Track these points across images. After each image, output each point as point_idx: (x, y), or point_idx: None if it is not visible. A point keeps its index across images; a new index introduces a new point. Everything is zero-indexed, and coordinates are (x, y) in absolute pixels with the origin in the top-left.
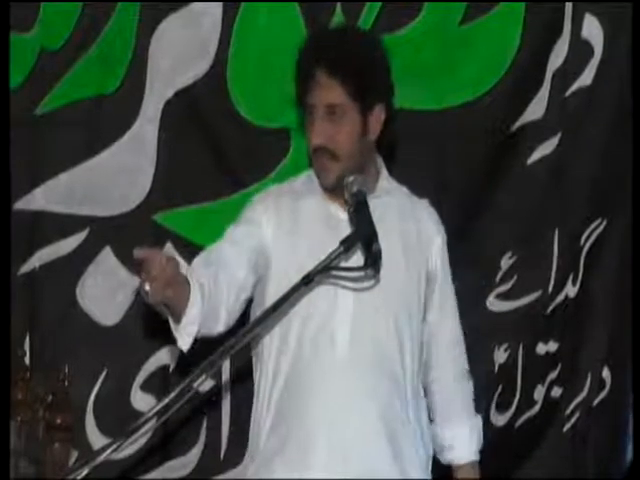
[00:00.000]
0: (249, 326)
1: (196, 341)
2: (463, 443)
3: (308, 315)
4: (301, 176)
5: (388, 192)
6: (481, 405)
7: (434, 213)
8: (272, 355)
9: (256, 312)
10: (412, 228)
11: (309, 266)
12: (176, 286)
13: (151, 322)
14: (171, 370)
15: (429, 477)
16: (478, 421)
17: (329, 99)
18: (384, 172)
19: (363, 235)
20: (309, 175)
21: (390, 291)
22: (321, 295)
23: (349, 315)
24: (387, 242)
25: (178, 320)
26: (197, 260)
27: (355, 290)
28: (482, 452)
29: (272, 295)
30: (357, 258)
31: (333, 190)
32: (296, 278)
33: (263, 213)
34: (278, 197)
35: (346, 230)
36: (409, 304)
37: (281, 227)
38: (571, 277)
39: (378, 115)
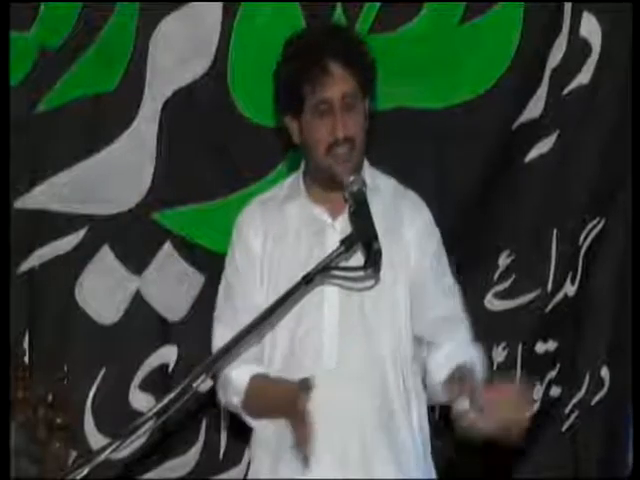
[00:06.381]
0: (247, 326)
1: (196, 341)
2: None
3: (295, 325)
4: (287, 180)
5: (371, 188)
6: None
7: (419, 203)
8: (265, 361)
9: None
10: (395, 223)
11: (295, 271)
12: None
13: (150, 321)
14: (170, 369)
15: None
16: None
17: (345, 89)
18: (366, 165)
19: (363, 235)
20: (295, 178)
21: (377, 290)
22: (308, 302)
23: (335, 322)
24: None
25: None
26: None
27: (340, 294)
28: (481, 452)
29: (263, 302)
30: (356, 258)
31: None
32: (283, 284)
33: (249, 230)
34: (264, 205)
35: (331, 233)
36: (397, 301)
37: (268, 236)
38: (570, 276)
39: (368, 105)
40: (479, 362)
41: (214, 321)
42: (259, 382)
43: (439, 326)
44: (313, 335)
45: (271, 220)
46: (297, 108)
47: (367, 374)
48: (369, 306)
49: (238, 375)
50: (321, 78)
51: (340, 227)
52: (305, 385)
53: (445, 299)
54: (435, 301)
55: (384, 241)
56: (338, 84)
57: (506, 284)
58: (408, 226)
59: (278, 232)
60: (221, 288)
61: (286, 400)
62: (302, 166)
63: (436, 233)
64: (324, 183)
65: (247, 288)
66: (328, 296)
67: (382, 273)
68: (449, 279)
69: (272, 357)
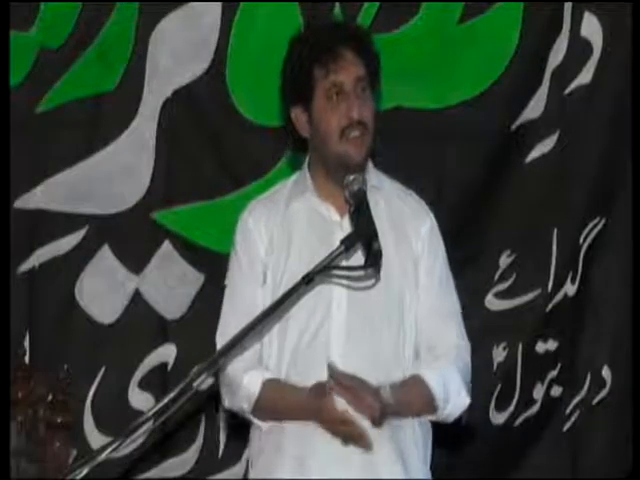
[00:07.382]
0: (248, 326)
1: (194, 339)
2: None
3: (303, 325)
4: (291, 178)
5: (375, 187)
6: (480, 404)
7: (421, 203)
8: (272, 359)
9: None
10: (400, 223)
11: (302, 271)
12: None
13: (149, 320)
14: (169, 368)
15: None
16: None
17: (356, 73)
18: (370, 167)
19: (364, 234)
20: (301, 175)
21: (384, 291)
22: (316, 302)
23: (343, 324)
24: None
25: None
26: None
27: (349, 294)
28: (481, 451)
29: (268, 302)
30: (357, 257)
31: (362, 168)
32: (290, 281)
33: (254, 227)
34: (267, 204)
35: (339, 232)
36: (403, 302)
37: (273, 235)
38: (570, 276)
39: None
40: (439, 384)
41: (217, 335)
42: (273, 387)
43: (428, 341)
44: (320, 335)
45: (276, 219)
46: (307, 95)
47: (371, 374)
48: (374, 305)
49: (250, 381)
50: (333, 62)
51: (347, 225)
52: (322, 390)
53: (446, 319)
54: (431, 313)
55: (388, 240)
56: (350, 68)
57: (506, 284)
58: (416, 226)
59: (284, 230)
60: (225, 295)
61: (312, 405)
62: (306, 163)
63: (441, 241)
64: (336, 175)
65: (250, 290)
66: (336, 296)
67: (386, 272)
68: (453, 296)
69: (280, 355)
